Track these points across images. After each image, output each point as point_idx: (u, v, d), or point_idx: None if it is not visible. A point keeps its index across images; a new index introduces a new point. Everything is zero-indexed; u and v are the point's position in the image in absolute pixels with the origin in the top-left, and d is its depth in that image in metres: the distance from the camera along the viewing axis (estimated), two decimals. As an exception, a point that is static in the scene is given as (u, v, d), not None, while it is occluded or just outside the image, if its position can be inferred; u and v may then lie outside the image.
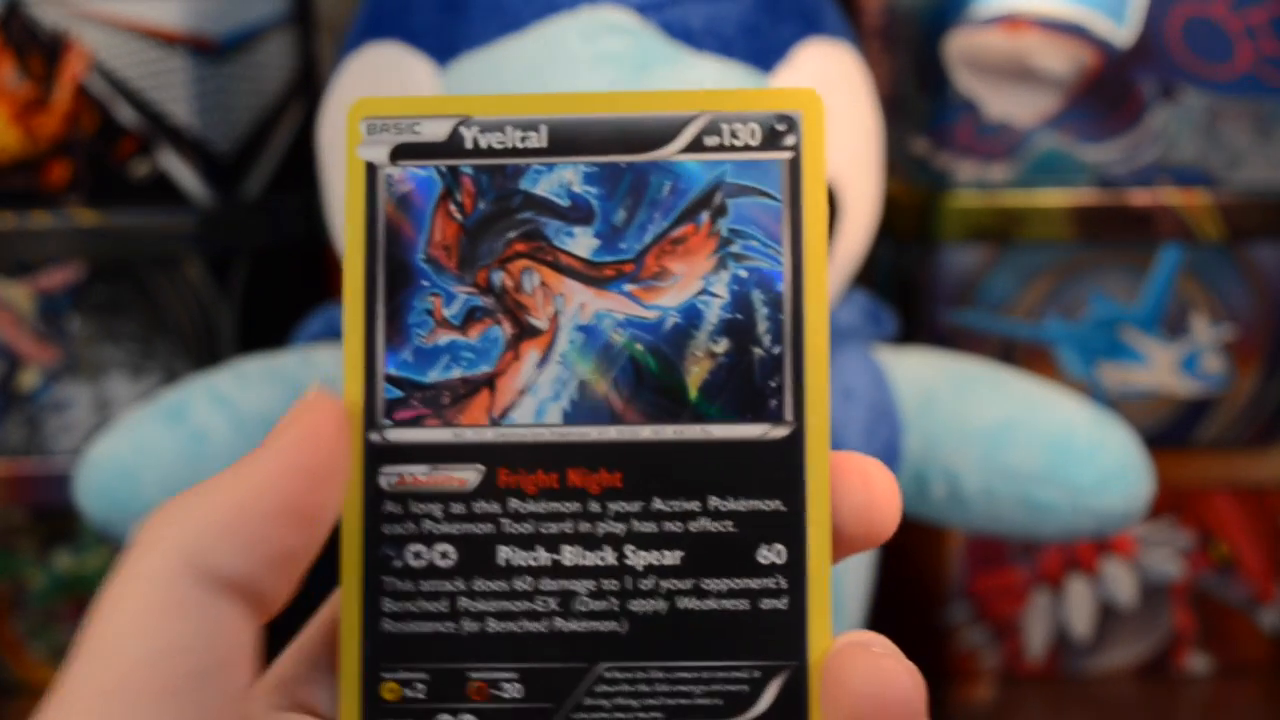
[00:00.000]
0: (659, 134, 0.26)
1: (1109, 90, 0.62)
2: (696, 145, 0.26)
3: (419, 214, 0.26)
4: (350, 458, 0.24)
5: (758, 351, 0.25)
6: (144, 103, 0.63)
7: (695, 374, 0.25)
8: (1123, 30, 0.62)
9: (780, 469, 0.25)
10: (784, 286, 0.25)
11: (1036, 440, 0.52)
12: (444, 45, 0.49)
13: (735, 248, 0.26)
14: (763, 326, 0.25)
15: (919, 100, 0.64)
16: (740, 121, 0.26)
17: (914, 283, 0.65)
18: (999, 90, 0.62)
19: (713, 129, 0.26)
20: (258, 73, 0.65)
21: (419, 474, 0.25)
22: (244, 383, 0.54)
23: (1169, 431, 0.65)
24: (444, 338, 0.26)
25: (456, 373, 0.26)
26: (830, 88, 0.51)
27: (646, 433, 0.25)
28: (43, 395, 0.65)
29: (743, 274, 0.26)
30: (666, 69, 0.47)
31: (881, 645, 0.24)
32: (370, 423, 0.26)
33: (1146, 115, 0.62)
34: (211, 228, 0.64)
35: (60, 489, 0.61)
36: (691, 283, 0.26)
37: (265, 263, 0.66)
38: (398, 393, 0.26)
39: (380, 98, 0.26)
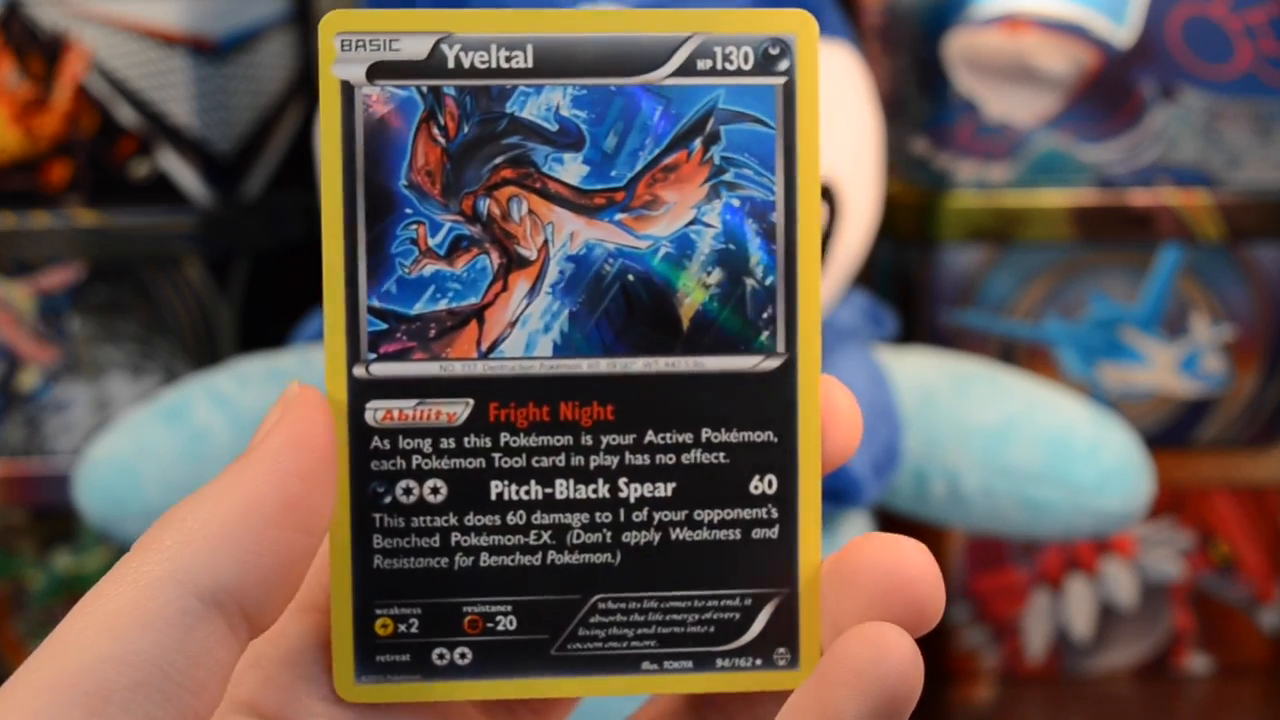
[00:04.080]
0: (650, 56, 0.25)
1: (1109, 90, 0.62)
2: (689, 68, 0.25)
3: (400, 137, 0.25)
4: (336, 445, 0.24)
5: (750, 283, 0.25)
6: (144, 103, 0.63)
7: (688, 305, 0.25)
8: (1123, 30, 0.62)
9: (772, 400, 0.25)
10: (777, 216, 0.25)
11: (1036, 440, 0.52)
12: (444, 45, 0.49)
13: (728, 176, 0.25)
14: (755, 257, 0.25)
15: (919, 100, 0.64)
16: (733, 44, 0.25)
17: (914, 283, 0.65)
18: (999, 90, 0.62)
19: (705, 51, 0.25)
20: (258, 73, 0.65)
21: (406, 409, 0.25)
22: (244, 383, 0.54)
23: (1169, 431, 0.65)
24: (429, 268, 0.25)
25: (443, 304, 0.25)
26: (830, 88, 0.51)
27: (639, 365, 0.25)
28: (43, 395, 0.65)
29: (735, 203, 0.25)
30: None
31: (886, 535, 0.24)
32: (354, 356, 0.25)
33: (1146, 115, 0.62)
34: (211, 228, 0.64)
35: (60, 489, 0.61)
36: (684, 212, 0.25)
37: (265, 263, 0.66)
38: (381, 325, 0.25)
39: (354, 10, 0.25)
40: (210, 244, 0.64)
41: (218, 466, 0.53)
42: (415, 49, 0.25)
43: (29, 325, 0.65)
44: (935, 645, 0.67)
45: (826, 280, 0.52)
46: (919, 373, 0.54)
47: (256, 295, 0.66)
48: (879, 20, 0.66)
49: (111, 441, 0.53)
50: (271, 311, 0.65)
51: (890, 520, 0.59)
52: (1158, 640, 0.68)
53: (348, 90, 0.25)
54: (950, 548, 0.66)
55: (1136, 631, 0.68)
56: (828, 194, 0.50)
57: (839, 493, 0.51)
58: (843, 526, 0.54)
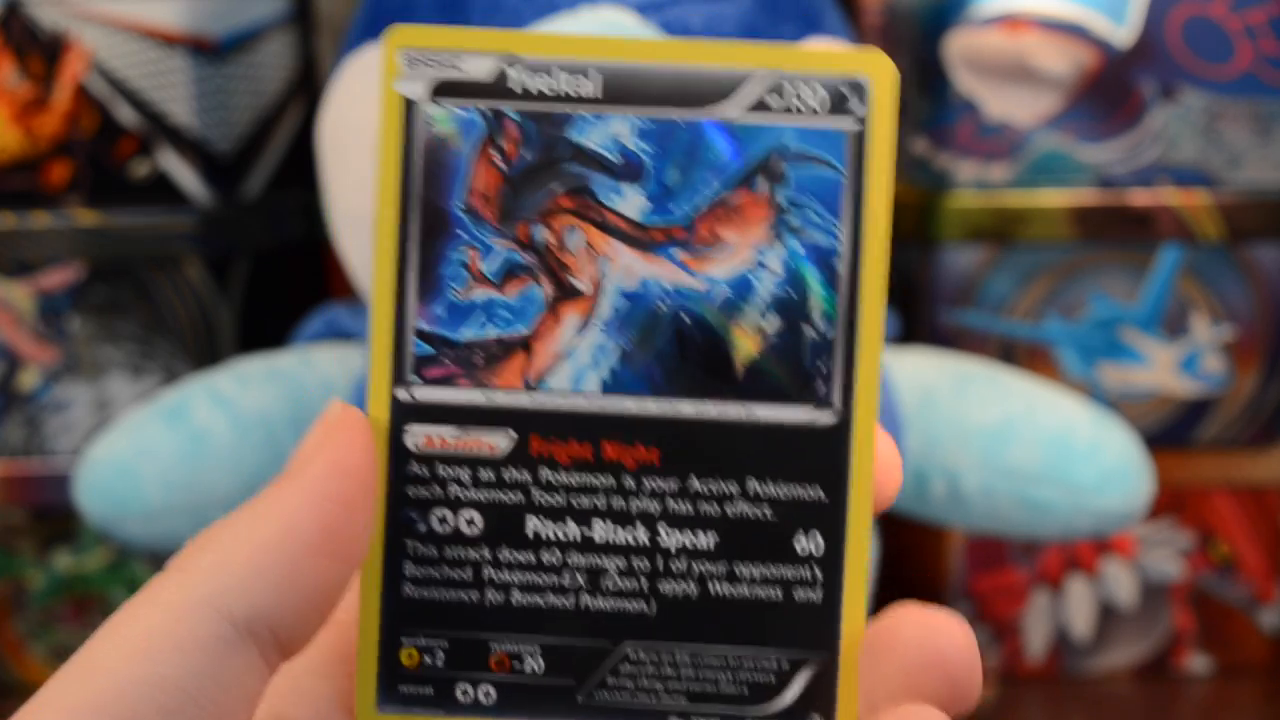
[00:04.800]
0: (719, 89, 0.24)
1: (1109, 90, 0.62)
2: (758, 105, 0.24)
3: (459, 158, 0.24)
4: (376, 472, 0.23)
5: (809, 332, 0.24)
6: (144, 103, 0.63)
7: (743, 350, 0.24)
8: (1123, 30, 0.62)
9: (824, 456, 0.24)
10: (841, 265, 0.24)
11: (1036, 440, 0.52)
12: (444, 45, 0.48)
13: (792, 219, 0.24)
14: (816, 306, 0.24)
15: (919, 100, 0.64)
16: (806, 83, 0.24)
17: (914, 283, 0.65)
18: (999, 90, 0.62)
19: (776, 89, 0.24)
20: (258, 73, 0.65)
21: (447, 435, 0.24)
22: (244, 383, 0.54)
23: (1169, 431, 0.65)
24: (480, 294, 0.24)
25: (491, 332, 0.24)
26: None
27: (688, 409, 0.24)
28: (43, 395, 0.65)
29: (798, 248, 0.24)
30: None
31: (925, 607, 0.23)
32: (398, 378, 0.24)
33: (1146, 115, 0.62)
34: (211, 228, 0.64)
35: (60, 489, 0.61)
36: (744, 253, 0.24)
37: (265, 263, 0.66)
38: (428, 349, 0.24)
39: (420, 26, 0.24)
40: (210, 244, 0.64)
41: (218, 466, 0.53)
42: (480, 69, 0.24)
43: (29, 325, 0.65)
44: (935, 645, 0.67)
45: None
46: (919, 373, 0.54)
47: (256, 295, 0.66)
48: (879, 20, 0.66)
49: (111, 441, 0.53)
50: (271, 311, 0.65)
51: (890, 520, 0.59)
52: (1158, 640, 0.68)
53: (409, 107, 0.24)
54: (950, 548, 0.66)
55: (1136, 631, 0.68)
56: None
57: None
58: (843, 526, 0.54)
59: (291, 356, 0.56)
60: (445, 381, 0.24)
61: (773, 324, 0.24)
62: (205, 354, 0.64)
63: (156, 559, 0.65)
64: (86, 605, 0.66)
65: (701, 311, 0.24)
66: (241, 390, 0.54)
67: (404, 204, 0.24)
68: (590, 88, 0.24)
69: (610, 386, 0.24)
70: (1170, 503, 0.66)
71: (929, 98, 0.63)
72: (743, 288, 0.24)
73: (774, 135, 0.24)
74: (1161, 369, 0.65)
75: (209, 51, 0.63)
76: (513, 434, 0.24)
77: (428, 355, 0.24)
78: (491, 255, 0.24)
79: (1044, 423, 0.53)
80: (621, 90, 0.24)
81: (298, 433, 0.53)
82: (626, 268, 0.24)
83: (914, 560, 0.67)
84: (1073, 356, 0.65)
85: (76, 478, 0.54)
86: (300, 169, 0.65)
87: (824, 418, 0.24)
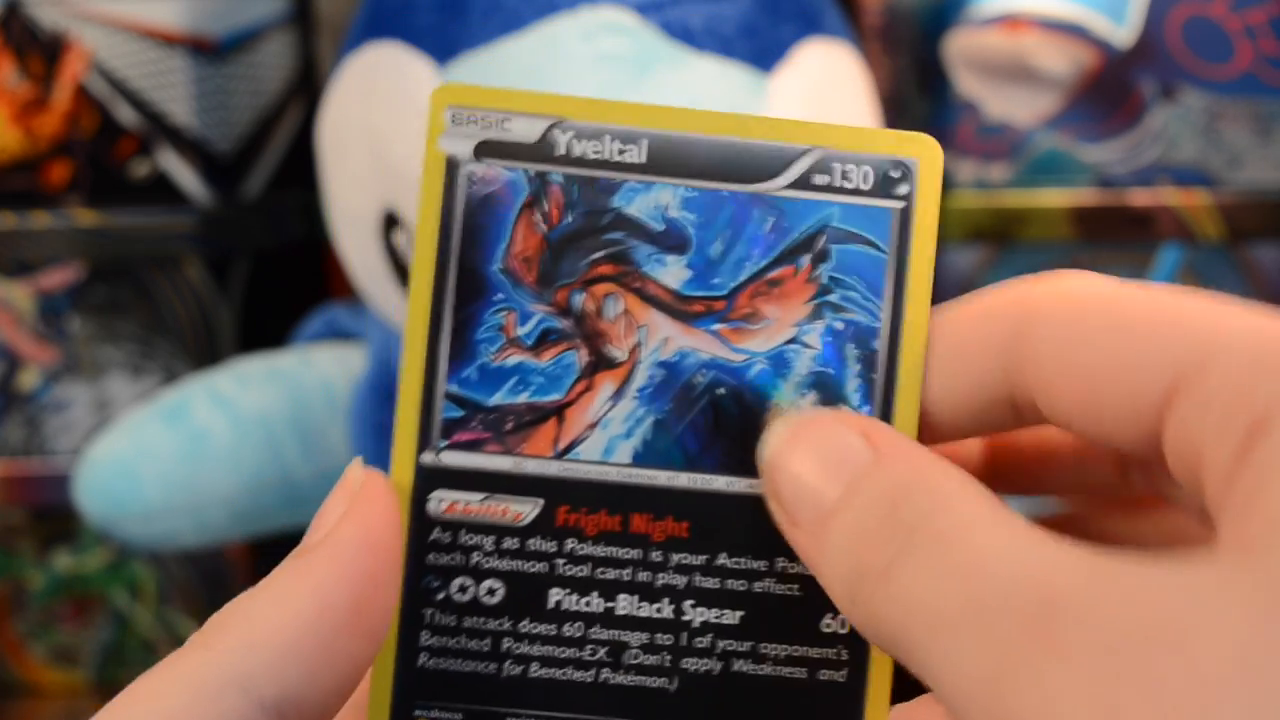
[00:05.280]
0: (766, 164, 0.24)
1: (1109, 90, 0.62)
2: (804, 182, 0.24)
3: (500, 219, 0.24)
4: (401, 542, 0.23)
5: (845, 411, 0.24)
6: (144, 103, 0.63)
7: None
8: (1123, 30, 0.62)
9: None
10: (880, 344, 0.24)
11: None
12: (443, 45, 0.49)
13: (834, 297, 0.24)
14: (853, 384, 0.24)
15: (919, 100, 0.64)
16: (853, 162, 0.24)
17: (914, 283, 0.65)
18: (999, 90, 0.62)
19: (823, 166, 0.24)
20: (258, 73, 0.65)
21: (472, 502, 0.24)
22: (244, 383, 0.54)
23: (1169, 431, 0.65)
24: (513, 358, 0.24)
25: (523, 397, 0.24)
26: (830, 88, 0.51)
27: (720, 483, 0.24)
28: (43, 395, 0.65)
29: (838, 326, 0.24)
30: (667, 69, 0.47)
31: None
32: (425, 442, 0.24)
33: (1146, 115, 0.62)
34: (211, 228, 0.64)
35: (60, 489, 0.61)
36: (784, 329, 0.24)
37: (265, 263, 0.66)
38: (458, 412, 0.24)
39: (468, 85, 0.24)
40: (210, 244, 0.64)
41: (217, 466, 0.53)
42: (527, 131, 0.24)
43: (29, 325, 0.65)
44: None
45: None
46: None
47: (256, 295, 0.66)
48: (879, 20, 0.66)
49: (111, 441, 0.53)
50: (271, 311, 0.65)
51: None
52: (1158, 640, 0.68)
53: (452, 165, 0.24)
54: (950, 548, 0.66)
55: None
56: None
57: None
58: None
59: (291, 356, 0.56)
60: (473, 446, 0.24)
61: (809, 401, 0.24)
62: (205, 354, 0.64)
63: (156, 558, 0.65)
64: (86, 605, 0.66)
65: (738, 385, 0.24)
66: (241, 390, 0.54)
67: (441, 263, 0.24)
68: (637, 155, 0.24)
69: (642, 457, 0.24)
70: (1170, 503, 0.66)
71: (929, 98, 0.63)
72: (781, 363, 0.24)
73: (819, 212, 0.24)
74: (1161, 369, 0.65)
75: (209, 51, 0.63)
76: (540, 503, 0.24)
77: (456, 418, 0.24)
78: (528, 319, 0.24)
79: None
80: (669, 159, 0.24)
81: (298, 433, 0.53)
82: (665, 338, 0.24)
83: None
84: (1073, 356, 0.65)
85: (76, 478, 0.54)
86: (300, 169, 0.65)
87: None
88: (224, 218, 0.64)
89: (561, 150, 0.24)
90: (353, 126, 0.51)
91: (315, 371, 0.54)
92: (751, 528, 0.24)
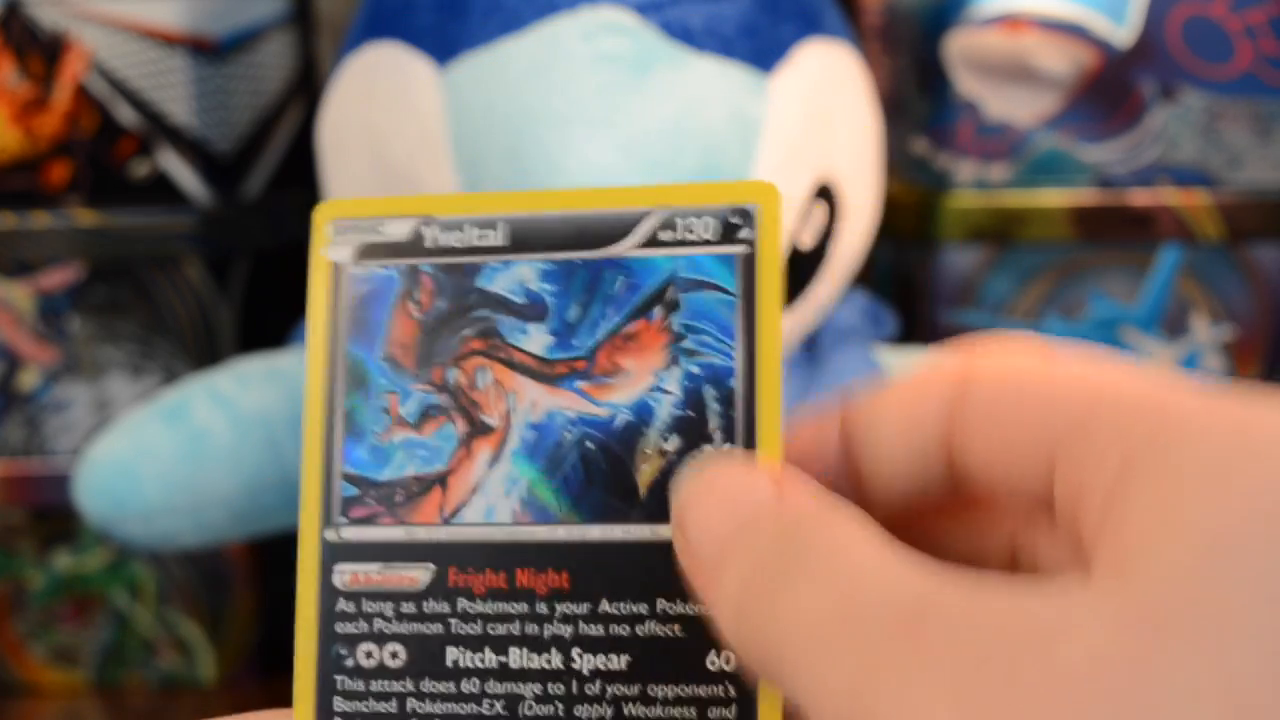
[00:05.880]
0: (614, 230, 0.26)
1: (1109, 90, 0.62)
2: (651, 240, 0.25)
3: (379, 313, 0.26)
4: (304, 613, 0.25)
5: (709, 449, 0.25)
6: (144, 103, 0.63)
7: (646, 472, 0.25)
8: (1123, 30, 0.62)
9: None
10: (736, 382, 0.25)
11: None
12: (443, 45, 0.49)
13: (688, 343, 0.25)
14: (715, 423, 0.25)
15: (919, 100, 0.64)
16: (695, 216, 0.25)
17: (914, 283, 0.65)
18: (999, 90, 0.62)
19: (668, 224, 0.25)
20: (258, 73, 0.65)
21: (372, 572, 0.25)
22: (244, 383, 0.54)
23: (1169, 431, 0.65)
24: (399, 435, 0.26)
25: (410, 470, 0.26)
26: (830, 88, 0.51)
27: (595, 533, 0.25)
28: (43, 395, 0.65)
29: (695, 369, 0.25)
30: (667, 69, 0.47)
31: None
32: (327, 520, 0.25)
33: (1146, 115, 0.62)
34: (211, 228, 0.64)
35: (60, 489, 0.61)
36: (643, 379, 0.25)
37: (265, 263, 0.66)
38: (353, 490, 0.26)
39: (345, 200, 0.26)
40: (210, 244, 0.64)
41: (217, 466, 0.53)
42: (399, 231, 0.26)
43: (29, 325, 0.65)
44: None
45: (827, 280, 0.52)
46: (919, 373, 0.54)
47: (256, 295, 0.66)
48: (879, 20, 0.66)
49: (111, 441, 0.53)
50: (271, 311, 0.65)
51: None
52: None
53: (337, 270, 0.26)
54: (950, 548, 0.66)
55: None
56: (828, 193, 0.50)
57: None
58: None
59: (291, 356, 0.56)
60: (369, 520, 0.25)
61: (674, 444, 0.25)
62: (205, 354, 0.64)
63: (156, 558, 0.65)
64: (86, 605, 0.66)
65: (604, 437, 0.25)
66: (241, 390, 0.54)
67: (331, 356, 0.26)
68: (496, 237, 0.26)
69: (520, 516, 0.25)
70: (1170, 503, 0.66)
71: (929, 98, 0.63)
72: (643, 411, 0.25)
73: (667, 265, 0.25)
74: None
75: (209, 51, 0.63)
76: (431, 567, 0.25)
77: (353, 496, 0.26)
78: (409, 399, 0.26)
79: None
80: (526, 238, 0.26)
81: (298, 433, 0.53)
82: (532, 401, 0.25)
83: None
84: (1073, 356, 0.65)
85: (76, 478, 0.54)
86: (300, 169, 0.65)
87: None
88: (224, 218, 0.64)
89: (429, 243, 0.26)
90: (353, 126, 0.51)
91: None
92: (629, 573, 0.25)
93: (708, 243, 0.25)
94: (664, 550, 0.25)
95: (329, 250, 0.26)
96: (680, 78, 0.47)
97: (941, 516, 0.25)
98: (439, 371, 0.26)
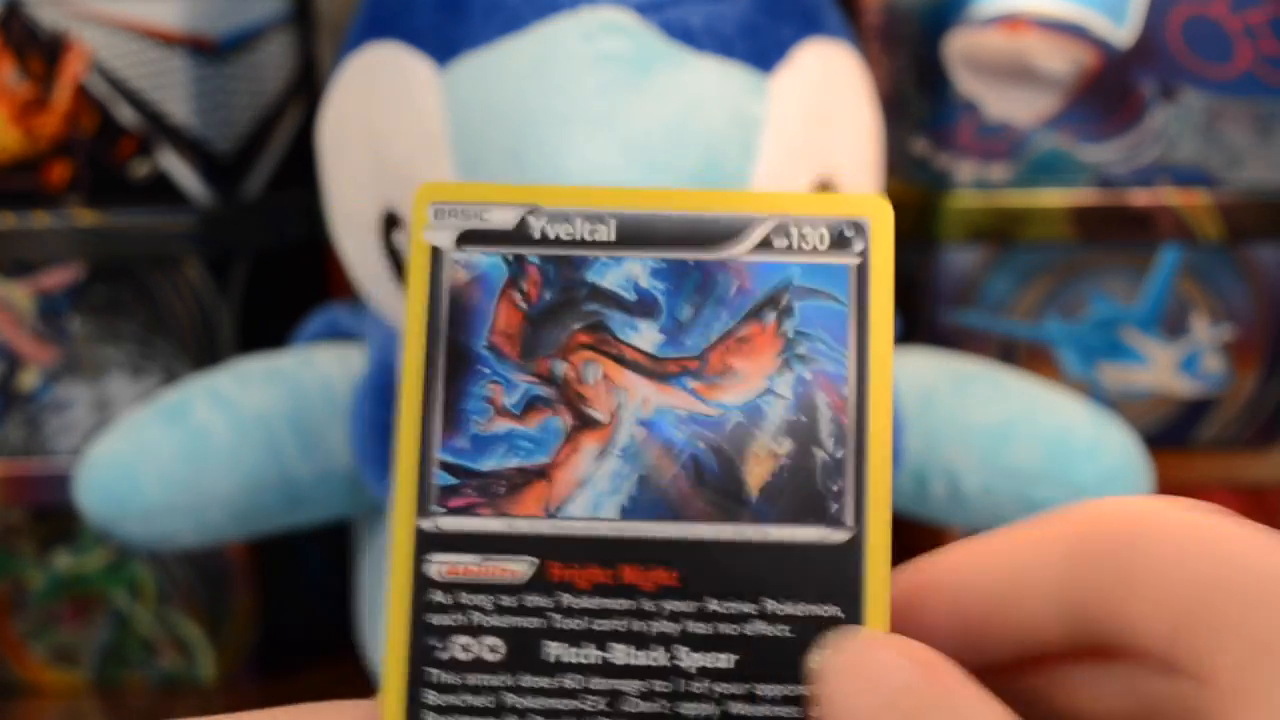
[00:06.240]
0: (727, 232, 0.26)
1: (1109, 90, 0.62)
2: (765, 246, 0.26)
3: (483, 300, 0.26)
4: (396, 602, 0.24)
5: (820, 454, 0.25)
6: (144, 103, 0.63)
7: (756, 474, 0.25)
8: (1123, 30, 0.62)
9: (839, 574, 0.25)
10: (848, 390, 0.25)
11: (1036, 439, 0.52)
12: (444, 45, 0.49)
13: (800, 349, 0.25)
14: (825, 429, 0.25)
15: (919, 100, 0.64)
16: (809, 225, 0.26)
17: (914, 283, 0.65)
18: (999, 90, 0.62)
19: (781, 230, 0.26)
20: (258, 73, 0.65)
21: (470, 564, 0.25)
22: (244, 383, 0.54)
23: (1169, 431, 0.65)
24: (502, 426, 0.25)
25: (513, 462, 0.25)
26: (830, 88, 0.51)
27: (704, 531, 0.25)
28: (43, 395, 0.65)
29: (807, 376, 0.25)
30: (667, 69, 0.47)
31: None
32: (422, 509, 0.25)
33: (1146, 115, 0.62)
34: (211, 228, 0.64)
35: (60, 489, 0.61)
36: (755, 382, 0.25)
37: (265, 263, 0.66)
38: (451, 480, 0.25)
39: (447, 183, 0.26)
40: (210, 244, 0.64)
41: (218, 466, 0.53)
42: (503, 219, 0.26)
43: (29, 325, 0.65)
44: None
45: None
46: (919, 373, 0.54)
47: (256, 295, 0.66)
48: (879, 20, 0.66)
49: (111, 441, 0.53)
50: (271, 311, 0.65)
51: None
52: (1158, 640, 0.68)
53: (437, 255, 0.26)
54: (950, 548, 0.66)
55: (1136, 631, 0.68)
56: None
57: (839, 493, 0.51)
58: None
59: (291, 356, 0.56)
60: (468, 511, 0.25)
61: (784, 447, 0.25)
62: (205, 354, 0.64)
63: (156, 558, 0.65)
64: (86, 605, 0.66)
65: (716, 437, 0.25)
66: (241, 390, 0.54)
67: (430, 343, 0.26)
68: (606, 233, 0.26)
69: (629, 512, 0.25)
70: (1170, 503, 0.66)
71: (929, 98, 0.63)
72: (754, 413, 0.25)
73: (780, 272, 0.26)
74: (1161, 369, 0.65)
75: (209, 51, 0.63)
76: (533, 560, 0.25)
77: (450, 485, 0.25)
78: (513, 389, 0.26)
79: (1044, 423, 0.53)
80: (636, 234, 0.26)
81: (298, 433, 0.53)
82: (643, 398, 0.25)
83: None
84: (1073, 356, 0.65)
85: (76, 478, 0.54)
86: (300, 169, 0.65)
87: (837, 536, 0.25)
88: (224, 218, 0.64)
89: (537, 234, 0.26)
90: (353, 126, 0.51)
91: (315, 371, 0.54)
92: (738, 572, 0.25)
93: (820, 252, 0.26)
94: (774, 550, 0.25)
95: (429, 233, 0.26)
96: (680, 78, 0.47)
97: (1044, 665, 0.25)
98: (545, 363, 0.26)
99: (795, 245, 0.26)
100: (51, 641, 0.67)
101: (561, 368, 0.26)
